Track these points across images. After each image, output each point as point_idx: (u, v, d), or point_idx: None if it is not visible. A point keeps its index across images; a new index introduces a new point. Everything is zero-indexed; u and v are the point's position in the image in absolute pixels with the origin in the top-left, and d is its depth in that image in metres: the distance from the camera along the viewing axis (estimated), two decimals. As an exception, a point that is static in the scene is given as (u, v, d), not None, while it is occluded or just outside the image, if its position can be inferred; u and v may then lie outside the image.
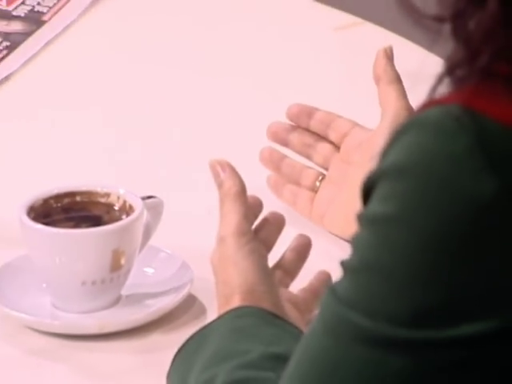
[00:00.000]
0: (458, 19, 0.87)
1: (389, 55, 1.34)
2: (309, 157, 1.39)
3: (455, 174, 0.87)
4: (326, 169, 1.38)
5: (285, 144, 1.39)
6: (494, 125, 0.86)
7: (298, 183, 1.38)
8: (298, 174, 1.39)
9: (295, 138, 1.39)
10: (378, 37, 1.50)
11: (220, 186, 1.23)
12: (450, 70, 0.88)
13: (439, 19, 0.87)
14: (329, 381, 0.91)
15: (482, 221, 0.86)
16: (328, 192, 1.37)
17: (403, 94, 1.31)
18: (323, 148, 1.40)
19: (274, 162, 1.35)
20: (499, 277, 0.87)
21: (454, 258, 0.87)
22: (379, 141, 1.24)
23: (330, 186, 1.37)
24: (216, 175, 1.23)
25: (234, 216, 1.19)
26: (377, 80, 1.34)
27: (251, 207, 1.23)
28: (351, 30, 1.48)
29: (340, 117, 1.40)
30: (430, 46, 0.90)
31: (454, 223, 0.87)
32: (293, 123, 1.40)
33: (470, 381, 0.90)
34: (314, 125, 1.40)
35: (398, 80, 1.32)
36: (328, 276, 1.21)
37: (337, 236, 1.32)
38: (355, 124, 1.38)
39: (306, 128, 1.41)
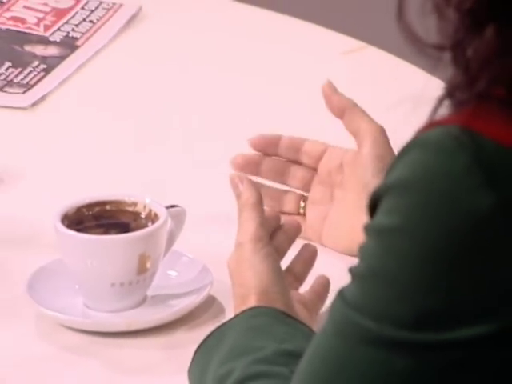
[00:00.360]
0: (457, 48, 0.86)
1: (334, 88, 1.33)
2: (284, 182, 1.37)
3: (455, 190, 0.86)
4: (305, 191, 1.36)
5: (255, 173, 1.36)
6: (491, 144, 0.86)
7: (280, 208, 1.36)
8: (278, 199, 1.37)
9: (266, 166, 1.37)
10: (382, 60, 1.49)
11: (238, 196, 1.22)
12: (450, 94, 0.88)
13: (440, 47, 0.87)
14: (337, 378, 0.91)
15: (479, 233, 0.85)
16: (317, 213, 1.36)
17: (369, 117, 1.32)
18: (297, 172, 1.38)
19: (251, 186, 1.30)
20: (495, 284, 0.86)
21: (452, 266, 0.86)
22: (363, 162, 1.30)
23: (317, 207, 1.36)
24: (235, 187, 1.23)
25: (251, 223, 1.19)
26: (338, 113, 1.33)
27: (267, 218, 1.22)
28: (357, 54, 1.45)
29: (306, 139, 1.38)
30: (432, 71, 0.89)
31: (453, 235, 0.86)
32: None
33: (468, 381, 0.89)
34: (283, 152, 1.38)
35: (357, 106, 1.33)
36: (327, 280, 1.21)
37: (335, 251, 1.31)
38: (326, 145, 1.37)
39: (275, 155, 1.38)
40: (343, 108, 1.33)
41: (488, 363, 0.88)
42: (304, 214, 1.35)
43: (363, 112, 1.32)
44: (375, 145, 1.30)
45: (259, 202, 1.21)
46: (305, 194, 1.36)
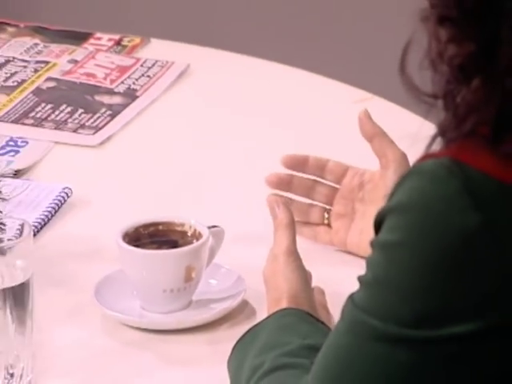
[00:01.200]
0: (448, 96, 0.86)
1: (369, 116, 1.32)
2: (310, 197, 1.35)
3: (447, 211, 0.85)
4: (329, 205, 1.34)
5: (286, 190, 1.34)
6: (477, 173, 0.85)
7: (308, 219, 1.34)
8: (305, 212, 1.35)
9: (295, 183, 1.35)
10: (386, 107, 1.50)
11: (275, 217, 1.22)
12: (442, 133, 0.87)
13: (434, 96, 0.86)
14: (348, 369, 0.90)
15: (467, 247, 0.85)
16: (341, 224, 1.33)
17: (395, 144, 1.30)
18: (322, 188, 1.36)
19: (286, 209, 1.28)
20: (481, 289, 0.85)
21: (445, 275, 0.85)
22: (387, 182, 1.27)
23: (341, 219, 1.33)
24: (272, 209, 1.22)
25: (284, 240, 1.18)
26: (369, 137, 1.31)
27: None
28: (367, 103, 1.46)
29: (329, 160, 1.36)
30: (426, 115, 0.89)
31: (446, 249, 0.85)
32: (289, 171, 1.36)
33: (462, 371, 0.88)
34: (310, 170, 1.36)
35: (385, 134, 1.31)
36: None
37: (354, 254, 1.30)
38: (347, 165, 1.35)
39: (302, 171, 1.36)
40: (374, 134, 1.31)
41: (477, 355, 0.86)
42: (328, 225, 1.33)
43: (391, 140, 1.31)
44: (398, 170, 1.27)
45: (292, 223, 1.20)
46: (328, 207, 1.34)
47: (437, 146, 0.87)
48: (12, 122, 1.54)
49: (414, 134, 0.92)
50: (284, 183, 1.34)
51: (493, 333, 0.85)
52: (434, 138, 0.87)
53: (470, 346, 0.85)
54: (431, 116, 0.88)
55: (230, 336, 1.12)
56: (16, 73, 1.63)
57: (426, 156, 0.87)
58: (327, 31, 2.29)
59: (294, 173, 1.35)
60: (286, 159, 1.35)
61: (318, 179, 1.35)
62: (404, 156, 1.28)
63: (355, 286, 0.89)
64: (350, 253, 1.30)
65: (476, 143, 0.85)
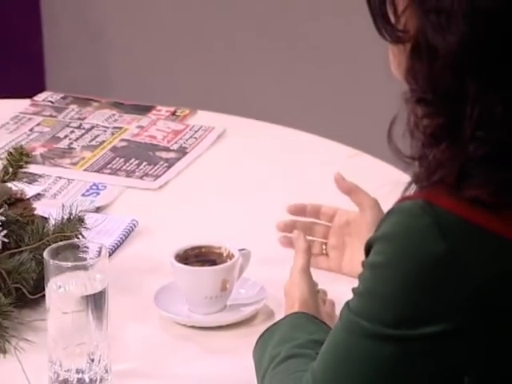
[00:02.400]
0: (422, 158, 0.85)
1: (343, 176, 1.30)
2: (310, 234, 1.31)
3: (420, 240, 0.84)
4: (325, 239, 1.32)
5: (291, 231, 1.31)
6: (444, 211, 0.84)
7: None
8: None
9: (300, 226, 1.32)
10: (373, 163, 1.48)
11: (296, 245, 1.20)
12: (416, 181, 0.87)
13: (412, 158, 0.86)
14: (343, 360, 0.88)
15: (436, 268, 0.84)
16: (336, 253, 1.31)
17: (368, 194, 1.28)
18: (318, 227, 1.33)
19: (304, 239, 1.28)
20: (447, 300, 0.84)
21: (419, 289, 0.85)
22: (366, 221, 1.26)
23: (335, 250, 1.31)
24: (296, 240, 1.21)
25: (300, 261, 1.16)
26: (346, 192, 1.29)
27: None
28: (357, 158, 1.45)
29: (322, 205, 1.34)
30: (405, 169, 0.88)
31: (419, 269, 0.84)
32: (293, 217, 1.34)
33: (434, 364, 0.85)
34: (308, 214, 1.34)
35: (359, 187, 1.29)
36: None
37: (348, 275, 1.27)
38: (336, 208, 1.32)
39: (303, 216, 1.34)
40: (349, 189, 1.30)
41: (446, 351, 0.85)
42: (327, 254, 1.31)
43: (364, 191, 1.29)
44: (373, 212, 1.26)
45: (308, 249, 1.19)
46: (325, 241, 1.31)
47: (411, 191, 0.87)
48: (95, 171, 1.54)
49: (395, 181, 0.91)
50: (290, 227, 1.32)
51: (457, 333, 0.83)
52: (409, 185, 0.87)
53: (440, 343, 0.84)
54: (409, 170, 0.88)
55: (254, 332, 1.10)
56: (98, 135, 1.63)
57: (404, 198, 0.86)
58: (333, 103, 2.28)
59: (297, 218, 1.33)
60: (290, 208, 1.34)
61: (315, 220, 1.34)
62: (375, 201, 1.26)
63: (350, 296, 0.89)
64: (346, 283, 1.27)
65: (443, 189, 0.84)
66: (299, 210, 1.34)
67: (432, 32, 0.81)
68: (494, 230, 0.82)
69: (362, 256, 0.90)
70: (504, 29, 0.79)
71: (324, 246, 1.32)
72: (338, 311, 0.94)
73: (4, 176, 1.26)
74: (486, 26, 0.79)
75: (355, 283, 0.89)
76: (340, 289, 1.19)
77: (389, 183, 0.94)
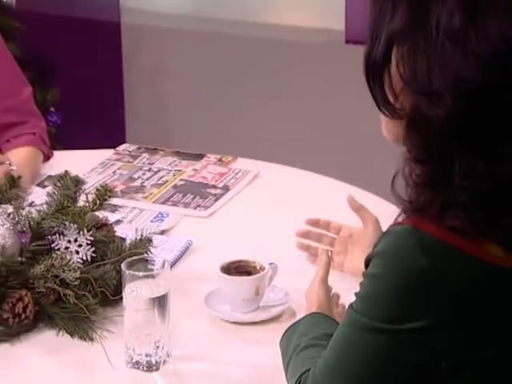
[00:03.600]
0: (413, 200, 0.83)
1: (353, 198, 1.29)
2: (320, 242, 1.31)
3: (407, 257, 0.83)
4: (332, 247, 1.30)
5: (307, 237, 1.32)
6: (426, 234, 0.83)
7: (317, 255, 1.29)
8: (316, 251, 1.31)
9: (313, 234, 1.33)
10: (375, 201, 1.45)
11: (320, 256, 1.19)
12: (405, 211, 0.85)
13: (407, 201, 0.84)
14: (347, 349, 0.88)
15: (419, 278, 0.83)
16: (339, 258, 1.29)
17: (371, 212, 1.27)
18: (327, 238, 1.32)
19: (307, 247, 1.31)
20: (428, 302, 0.83)
21: (406, 294, 0.83)
22: (368, 233, 1.24)
23: (339, 255, 1.29)
24: (320, 252, 1.20)
25: (321, 272, 1.14)
26: (355, 209, 1.28)
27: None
28: (361, 196, 1.40)
29: (331, 221, 1.32)
30: (398, 205, 0.86)
31: (406, 279, 0.83)
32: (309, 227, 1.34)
33: (417, 351, 0.84)
34: (321, 227, 1.33)
35: (364, 206, 1.28)
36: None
37: (350, 275, 1.26)
38: (341, 224, 1.31)
39: (317, 227, 1.34)
40: (358, 207, 1.28)
41: (429, 342, 0.83)
42: (332, 259, 1.27)
43: (368, 210, 1.28)
44: (373, 226, 1.25)
45: (328, 263, 1.16)
46: (331, 249, 1.30)
47: (401, 218, 0.86)
48: (160, 203, 1.54)
49: (391, 212, 0.89)
50: (305, 234, 1.32)
51: (435, 327, 0.82)
52: (399, 214, 0.86)
53: (422, 335, 0.82)
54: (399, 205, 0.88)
55: (281, 327, 1.09)
56: (163, 176, 1.63)
57: (396, 224, 0.86)
58: (346, 154, 2.28)
59: (312, 228, 1.34)
60: (307, 220, 1.34)
61: (325, 232, 1.33)
62: (376, 218, 1.25)
63: (353, 298, 0.88)
64: (348, 281, 1.25)
65: (426, 218, 0.83)
66: (314, 223, 1.33)
67: (425, 108, 0.79)
68: (466, 251, 0.82)
69: (360, 260, 0.90)
70: (482, 104, 0.78)
71: (330, 253, 1.29)
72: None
73: (93, 207, 1.27)
74: (467, 101, 0.78)
75: (355, 284, 0.89)
76: (343, 286, 1.18)
77: (388, 213, 0.93)
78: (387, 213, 0.90)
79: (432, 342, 0.82)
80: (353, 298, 0.88)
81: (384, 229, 0.90)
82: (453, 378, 0.83)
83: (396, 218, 0.85)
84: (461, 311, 0.82)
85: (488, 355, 0.83)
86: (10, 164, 1.45)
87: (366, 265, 0.86)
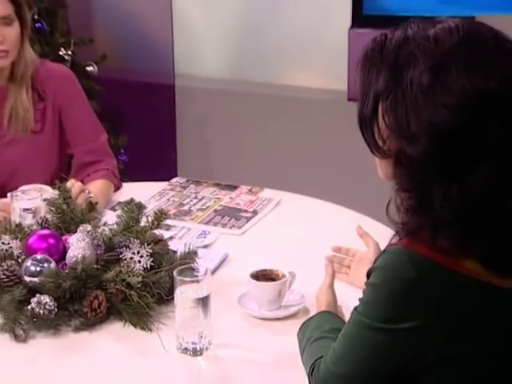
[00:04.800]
0: (405, 223, 0.82)
1: (361, 227, 1.26)
2: (342, 263, 1.27)
3: (399, 270, 0.81)
4: (349, 267, 1.27)
5: (333, 260, 1.27)
6: (415, 253, 0.81)
7: (339, 271, 1.26)
8: (339, 269, 1.27)
9: (336, 258, 1.28)
10: (375, 225, 1.39)
11: (326, 269, 1.14)
12: (399, 234, 0.83)
13: (400, 223, 0.82)
14: (351, 343, 0.86)
15: (409, 287, 0.81)
16: (353, 275, 1.25)
17: (373, 238, 1.24)
18: (345, 260, 1.27)
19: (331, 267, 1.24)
20: (417, 306, 0.80)
21: (398, 300, 0.81)
22: (370, 256, 1.21)
23: (353, 273, 1.26)
24: (326, 265, 1.16)
25: (328, 280, 1.12)
26: (361, 236, 1.26)
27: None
28: (365, 222, 1.37)
29: (350, 249, 1.28)
30: (394, 228, 0.83)
31: (399, 288, 0.81)
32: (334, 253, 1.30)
33: (407, 345, 0.82)
34: (342, 252, 1.29)
35: (368, 234, 1.25)
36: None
37: (357, 287, 1.20)
38: (356, 250, 1.27)
39: (339, 252, 1.30)
40: (363, 234, 1.26)
41: (419, 340, 0.81)
42: (347, 274, 1.26)
43: (371, 236, 1.25)
44: (374, 249, 1.22)
45: (333, 274, 1.13)
46: (348, 267, 1.27)
47: (395, 240, 0.84)
48: (204, 224, 1.53)
49: (387, 233, 0.88)
50: (332, 258, 1.28)
51: (421, 327, 0.80)
52: (393, 236, 0.84)
53: (411, 333, 0.81)
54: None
55: (298, 322, 1.07)
56: (206, 203, 1.62)
57: (391, 244, 0.84)
58: (353, 187, 2.26)
59: (336, 254, 1.30)
60: (333, 247, 1.30)
61: (345, 256, 1.29)
62: (377, 243, 1.23)
63: (357, 303, 0.86)
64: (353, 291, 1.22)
65: (418, 240, 0.81)
66: (338, 250, 1.29)
67: (407, 148, 0.79)
68: (447, 266, 0.80)
69: (364, 275, 0.88)
70: (452, 142, 0.77)
71: (348, 270, 1.27)
72: (348, 313, 0.91)
73: (152, 226, 1.26)
74: (440, 141, 0.77)
75: (360, 294, 0.87)
76: (351, 295, 1.15)
77: (385, 235, 0.91)
78: (385, 234, 0.89)
79: (419, 338, 0.80)
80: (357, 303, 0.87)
81: (382, 248, 0.88)
82: (436, 368, 0.81)
83: (391, 240, 0.84)
84: (442, 315, 0.80)
85: (464, 350, 0.81)
86: (89, 192, 1.46)
87: (368, 276, 0.86)
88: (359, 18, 2.25)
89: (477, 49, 0.75)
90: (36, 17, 2.06)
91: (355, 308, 0.86)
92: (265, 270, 1.20)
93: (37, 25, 2.07)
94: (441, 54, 0.75)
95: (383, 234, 0.89)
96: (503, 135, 0.75)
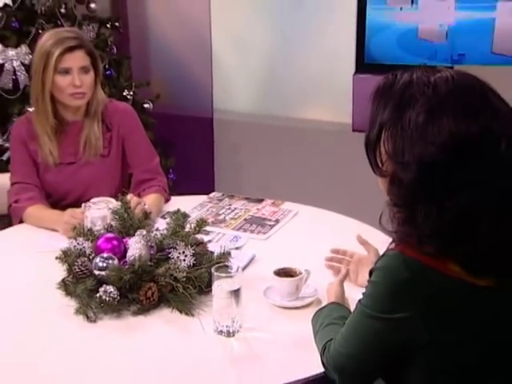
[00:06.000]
0: (397, 232, 0.81)
1: (360, 236, 1.23)
2: (340, 263, 1.25)
3: (395, 271, 0.80)
4: (348, 266, 1.24)
5: (332, 260, 1.27)
6: (408, 257, 0.80)
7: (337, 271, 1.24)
8: (338, 269, 1.24)
9: (335, 258, 1.27)
10: (371, 230, 1.35)
11: (342, 270, 1.14)
12: (394, 242, 0.82)
13: (393, 231, 0.82)
14: (356, 329, 0.85)
15: (402, 285, 0.80)
16: (353, 275, 1.22)
17: (372, 245, 1.22)
18: (346, 261, 1.25)
19: (332, 267, 1.24)
20: (408, 300, 0.79)
21: (393, 294, 0.80)
22: (370, 260, 1.18)
23: (353, 273, 1.22)
24: (332, 268, 1.19)
25: (340, 277, 1.11)
26: (362, 243, 1.23)
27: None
28: (365, 229, 1.34)
29: (347, 250, 1.25)
30: (390, 235, 0.83)
31: (395, 285, 0.80)
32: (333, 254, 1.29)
33: (401, 332, 0.80)
34: (340, 254, 1.27)
35: (368, 241, 1.22)
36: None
37: (359, 286, 1.19)
38: (353, 252, 1.25)
39: (338, 254, 1.28)
40: (363, 242, 1.24)
41: (409, 327, 0.80)
42: (349, 274, 1.23)
43: (370, 243, 1.23)
44: (374, 255, 1.20)
45: (346, 273, 1.13)
46: (348, 268, 1.24)
47: (392, 246, 0.83)
48: (236, 230, 1.52)
49: (384, 240, 0.87)
50: (331, 258, 1.27)
51: (412, 317, 0.79)
52: (391, 243, 0.83)
53: (404, 322, 0.80)
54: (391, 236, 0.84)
55: (312, 311, 1.06)
56: (238, 212, 1.62)
57: (388, 250, 0.83)
58: (358, 201, 2.23)
59: (334, 255, 1.29)
60: (332, 249, 1.29)
61: (344, 257, 1.27)
62: (376, 249, 1.21)
63: (356, 297, 0.86)
64: (358, 289, 1.21)
65: (408, 246, 0.80)
66: (336, 251, 1.29)
67: (399, 172, 0.79)
68: (435, 268, 0.79)
69: (366, 276, 0.87)
70: (435, 172, 0.77)
71: (347, 270, 1.25)
72: (353, 305, 0.90)
73: (194, 231, 1.27)
74: (425, 170, 0.77)
75: (359, 290, 0.87)
76: (354, 292, 1.14)
77: (384, 241, 0.90)
78: (383, 240, 0.88)
79: (410, 326, 0.80)
80: (360, 297, 0.86)
81: (381, 253, 0.87)
82: (424, 352, 0.80)
83: (388, 246, 0.84)
84: (430, 307, 0.79)
85: (448, 338, 0.80)
86: (144, 204, 1.48)
87: (370, 275, 0.86)
88: (361, 66, 2.31)
89: (465, 98, 0.75)
90: (106, 66, 2.13)
91: (359, 300, 0.85)
92: (285, 268, 1.19)
93: (107, 72, 2.14)
94: (436, 100, 0.76)
95: (382, 240, 0.89)
96: (479, 174, 0.75)
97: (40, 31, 1.85)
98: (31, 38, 1.86)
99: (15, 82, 1.84)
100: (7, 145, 1.81)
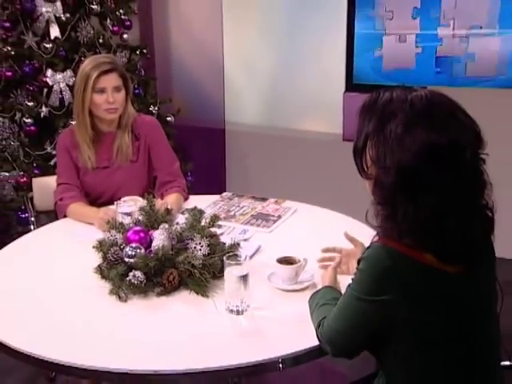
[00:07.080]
0: (380, 227, 0.80)
1: (347, 233, 1.19)
2: (331, 259, 1.20)
3: (379, 260, 0.80)
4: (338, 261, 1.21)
5: (323, 260, 1.23)
6: (390, 248, 0.80)
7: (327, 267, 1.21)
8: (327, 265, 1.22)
9: (327, 257, 1.23)
10: (359, 226, 1.33)
11: (335, 259, 1.12)
12: (378, 234, 0.82)
13: (378, 227, 0.81)
14: (345, 309, 0.84)
15: (385, 272, 0.79)
16: (344, 267, 1.19)
17: (359, 241, 1.20)
18: (335, 256, 1.20)
19: (325, 267, 1.19)
20: (389, 285, 0.79)
21: (377, 280, 0.79)
22: (357, 253, 1.17)
23: (344, 265, 1.19)
24: (329, 260, 1.17)
25: (334, 264, 1.10)
26: (350, 239, 1.21)
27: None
28: (354, 229, 1.28)
29: (336, 247, 1.20)
30: (374, 229, 0.82)
31: (378, 272, 0.80)
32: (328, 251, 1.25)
33: (384, 312, 0.80)
34: (330, 250, 1.23)
35: (355, 238, 1.19)
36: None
37: (349, 275, 1.12)
38: (342, 248, 1.22)
39: (333, 251, 1.24)
40: (351, 238, 1.22)
41: (389, 307, 0.79)
42: (340, 266, 1.19)
43: (357, 239, 1.21)
44: (360, 248, 1.18)
45: (339, 261, 1.11)
46: (340, 255, 1.21)
47: (376, 238, 0.82)
48: (244, 224, 1.51)
49: (370, 234, 0.85)
50: (323, 258, 1.23)
51: (393, 299, 0.78)
52: (375, 236, 0.83)
53: (386, 303, 0.79)
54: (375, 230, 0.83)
55: (309, 293, 1.06)
56: (245, 210, 1.61)
57: (373, 242, 0.82)
58: (349, 200, 2.20)
59: (325, 254, 1.24)
60: (323, 249, 1.25)
61: (334, 254, 1.23)
62: (362, 243, 1.19)
63: (346, 283, 0.85)
64: (347, 277, 1.18)
65: (390, 239, 0.80)
66: (326, 250, 1.25)
67: (381, 176, 0.80)
68: (413, 257, 0.79)
69: (355, 265, 0.86)
70: (411, 177, 0.77)
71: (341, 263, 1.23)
72: (343, 288, 0.89)
73: (209, 225, 1.26)
74: (403, 174, 0.78)
75: (349, 278, 0.86)
76: (344, 278, 1.12)
77: (369, 235, 0.89)
78: (368, 234, 0.87)
79: (391, 307, 0.80)
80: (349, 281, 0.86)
81: (366, 245, 0.87)
82: (402, 330, 0.80)
83: (372, 239, 0.83)
84: (409, 291, 0.79)
85: (426, 318, 0.80)
86: (166, 203, 1.48)
87: (358, 263, 0.85)
88: (350, 86, 2.40)
89: (436, 114, 0.77)
90: (136, 86, 2.23)
91: (349, 285, 0.86)
92: (286, 257, 1.17)
93: (136, 91, 2.24)
94: (412, 115, 0.77)
95: (368, 234, 0.88)
96: (447, 178, 0.76)
97: (82, 58, 1.99)
98: (75, 64, 2.00)
99: (61, 100, 1.99)
100: (54, 152, 1.94)
